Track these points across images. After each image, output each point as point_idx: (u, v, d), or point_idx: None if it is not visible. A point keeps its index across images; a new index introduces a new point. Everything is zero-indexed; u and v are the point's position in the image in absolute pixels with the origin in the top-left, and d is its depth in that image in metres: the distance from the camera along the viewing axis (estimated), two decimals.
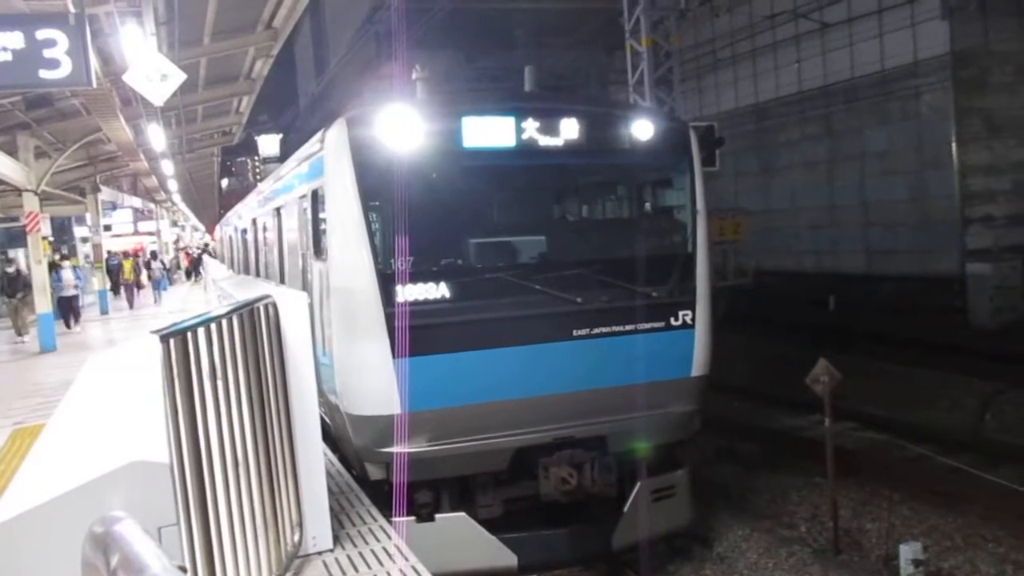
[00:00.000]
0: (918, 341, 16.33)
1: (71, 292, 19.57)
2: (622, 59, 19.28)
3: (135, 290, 27.51)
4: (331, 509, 4.96)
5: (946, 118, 19.39)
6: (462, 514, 7.03)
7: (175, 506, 3.17)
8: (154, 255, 36.94)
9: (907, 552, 7.93)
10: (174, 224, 53.56)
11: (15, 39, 7.85)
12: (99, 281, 25.29)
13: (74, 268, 20.86)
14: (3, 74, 7.93)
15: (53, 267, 20.31)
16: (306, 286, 7.95)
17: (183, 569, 1.61)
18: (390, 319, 6.55)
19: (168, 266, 35.99)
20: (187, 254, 41.16)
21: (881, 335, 17.19)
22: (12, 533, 3.24)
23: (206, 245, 42.72)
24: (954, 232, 19.31)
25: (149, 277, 31.81)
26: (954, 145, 19.27)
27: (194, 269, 38.11)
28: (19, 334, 17.81)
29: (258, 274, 13.59)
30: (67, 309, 19.57)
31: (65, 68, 7.86)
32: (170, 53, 11.56)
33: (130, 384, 3.68)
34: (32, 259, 17.06)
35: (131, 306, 25.87)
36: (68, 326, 19.39)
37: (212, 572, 3.28)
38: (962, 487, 9.77)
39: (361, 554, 4.81)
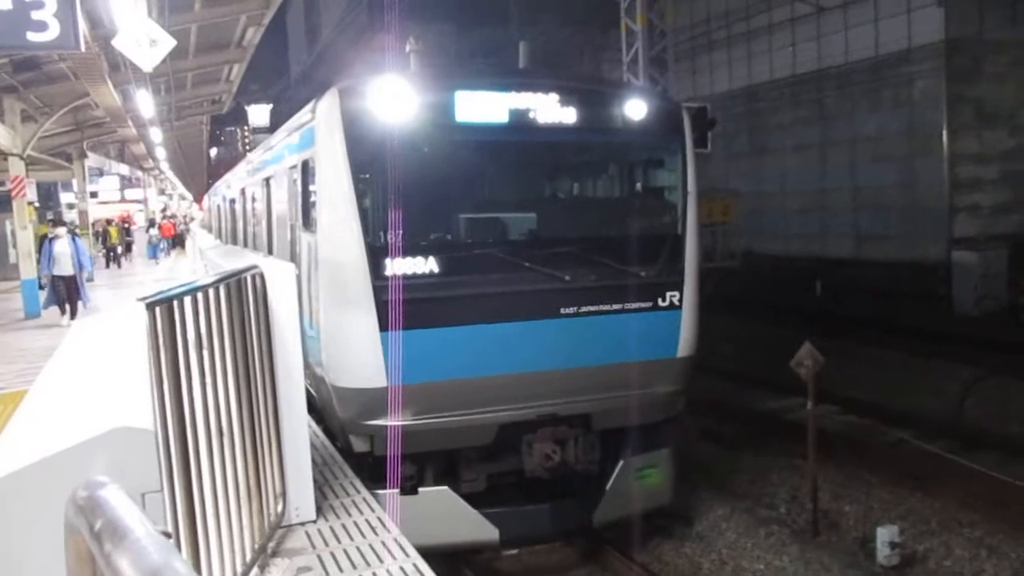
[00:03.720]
0: (903, 327, 16.46)
1: (68, 270, 14.58)
2: (616, 37, 19.21)
3: (119, 254, 29.15)
4: (315, 480, 4.98)
5: (938, 106, 19.42)
6: (445, 488, 7.08)
7: (159, 473, 3.17)
8: (152, 223, 36.90)
9: (884, 535, 8.05)
10: (161, 192, 53.11)
11: (2, 0, 7.72)
12: (88, 248, 25.21)
13: (72, 237, 15.60)
14: None
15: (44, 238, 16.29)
16: (294, 257, 7.92)
17: (167, 535, 1.61)
18: (378, 292, 6.55)
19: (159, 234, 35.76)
20: (169, 223, 39.32)
21: (866, 320, 17.32)
22: None
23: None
24: (942, 219, 19.41)
25: (149, 242, 33.34)
26: (945, 133, 19.33)
27: (176, 242, 37.35)
28: None
29: (246, 244, 13.53)
30: (63, 292, 14.65)
31: (53, 31, 7.72)
32: (160, 18, 11.39)
33: (115, 351, 3.67)
34: (17, 224, 16.92)
35: (119, 266, 27.66)
36: (63, 311, 14.70)
37: (195, 540, 3.29)
38: (940, 472, 9.90)
39: (344, 525, 4.84)
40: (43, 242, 15.79)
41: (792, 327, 15.52)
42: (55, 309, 14.87)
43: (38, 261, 15.71)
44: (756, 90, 25.02)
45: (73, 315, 14.52)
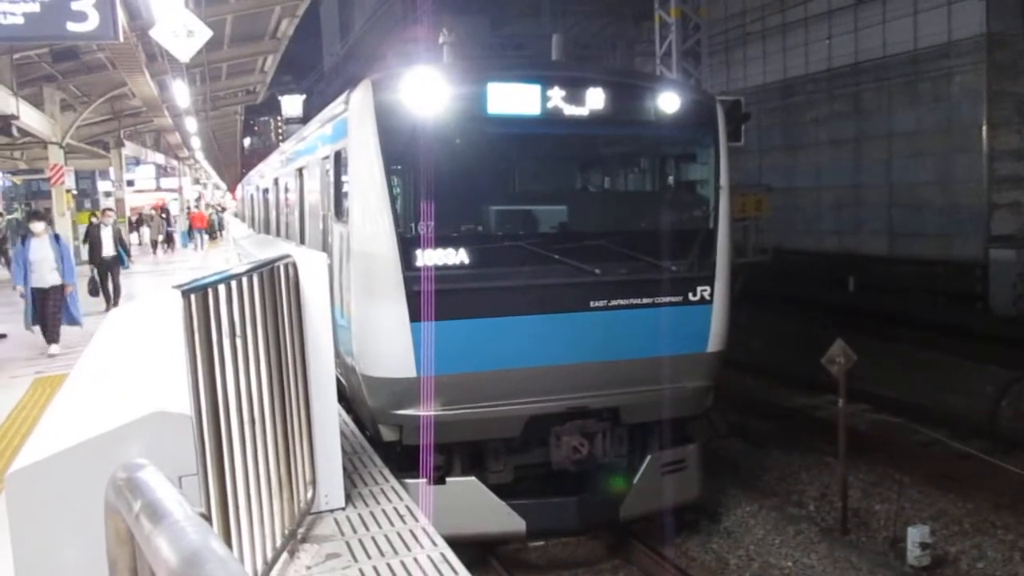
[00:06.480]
0: (937, 325, 16.21)
1: (47, 281, 10.84)
2: (649, 30, 19.08)
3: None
4: (344, 469, 5.02)
5: (978, 101, 19.03)
6: (473, 478, 7.11)
7: (195, 458, 3.22)
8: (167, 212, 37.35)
9: (915, 535, 7.95)
10: (196, 182, 53.69)
11: None
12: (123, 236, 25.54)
13: (56, 236, 11.67)
14: (31, 26, 7.95)
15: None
16: (326, 247, 7.99)
17: (204, 516, 1.65)
18: (409, 283, 6.59)
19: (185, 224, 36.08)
20: (198, 214, 36.20)
21: (900, 318, 17.08)
22: (37, 476, 3.31)
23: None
24: (979, 217, 19.06)
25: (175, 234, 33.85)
26: (984, 129, 18.95)
27: (210, 233, 35.64)
28: None
29: (279, 234, 13.66)
30: (43, 312, 10.89)
31: (92, 21, 7.86)
32: (196, 9, 11.53)
33: (152, 336, 3.73)
34: (55, 212, 17.26)
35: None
36: (47, 338, 10.96)
37: (227, 524, 3.34)
38: (974, 473, 9.75)
39: (372, 513, 4.87)
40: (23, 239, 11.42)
41: (824, 324, 15.36)
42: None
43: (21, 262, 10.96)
44: (791, 84, 24.72)
45: (52, 338, 10.91)
